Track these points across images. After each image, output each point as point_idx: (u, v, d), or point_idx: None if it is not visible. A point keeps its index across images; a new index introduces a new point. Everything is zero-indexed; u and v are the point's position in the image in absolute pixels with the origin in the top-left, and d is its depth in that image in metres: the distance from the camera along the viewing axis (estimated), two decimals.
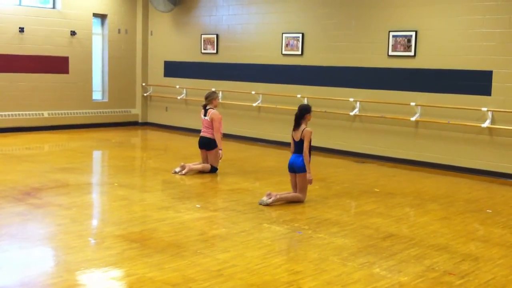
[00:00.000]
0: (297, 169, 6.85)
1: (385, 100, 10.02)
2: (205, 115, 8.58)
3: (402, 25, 9.80)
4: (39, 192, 7.01)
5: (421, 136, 9.75)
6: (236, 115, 12.28)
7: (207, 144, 8.55)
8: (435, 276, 4.62)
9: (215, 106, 8.67)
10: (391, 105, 9.94)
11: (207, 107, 8.60)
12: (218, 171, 8.59)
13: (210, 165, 8.54)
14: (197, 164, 8.56)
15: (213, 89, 9.32)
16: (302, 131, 6.79)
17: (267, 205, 6.66)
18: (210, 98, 8.64)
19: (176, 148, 11.38)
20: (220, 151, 8.51)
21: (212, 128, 8.50)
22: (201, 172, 8.50)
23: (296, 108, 7.05)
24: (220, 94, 12.01)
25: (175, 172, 8.43)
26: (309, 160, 6.84)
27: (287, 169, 7.02)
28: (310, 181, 6.87)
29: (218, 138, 8.49)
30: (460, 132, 9.27)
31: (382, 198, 7.34)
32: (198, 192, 7.60)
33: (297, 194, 6.89)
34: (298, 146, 6.86)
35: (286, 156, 7.22)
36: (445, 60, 9.34)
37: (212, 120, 8.49)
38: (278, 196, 6.76)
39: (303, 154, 6.80)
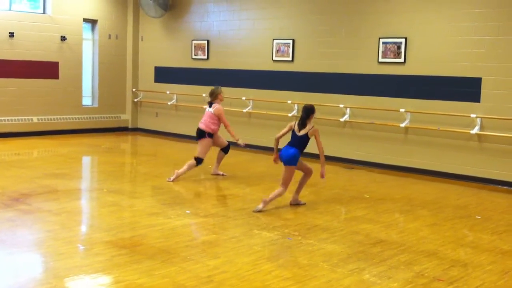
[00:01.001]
0: (285, 159, 6.84)
1: (375, 106, 10.06)
2: (210, 107, 8.53)
3: (392, 32, 9.86)
4: (28, 198, 6.97)
5: (411, 142, 9.80)
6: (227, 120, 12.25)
7: (200, 134, 8.48)
8: (425, 282, 4.64)
9: (221, 100, 8.63)
10: (381, 111, 9.99)
11: (213, 102, 8.55)
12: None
13: (194, 158, 8.37)
14: (182, 168, 8.40)
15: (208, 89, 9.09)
16: (310, 130, 6.86)
17: (260, 211, 6.66)
18: (216, 94, 8.58)
19: (166, 154, 11.36)
20: (239, 140, 8.54)
21: (213, 121, 8.44)
22: (189, 169, 8.36)
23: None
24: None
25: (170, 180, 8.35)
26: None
27: (283, 166, 6.95)
28: (323, 175, 6.93)
29: (229, 131, 8.50)
30: (449, 139, 9.32)
31: (372, 204, 7.36)
32: (188, 197, 7.58)
33: (279, 191, 6.85)
34: (299, 140, 6.87)
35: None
36: (435, 66, 9.40)
37: (218, 115, 8.44)
38: (267, 199, 6.76)
39: (320, 151, 6.88)
